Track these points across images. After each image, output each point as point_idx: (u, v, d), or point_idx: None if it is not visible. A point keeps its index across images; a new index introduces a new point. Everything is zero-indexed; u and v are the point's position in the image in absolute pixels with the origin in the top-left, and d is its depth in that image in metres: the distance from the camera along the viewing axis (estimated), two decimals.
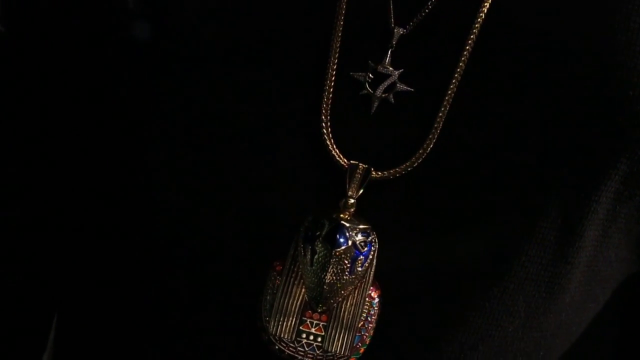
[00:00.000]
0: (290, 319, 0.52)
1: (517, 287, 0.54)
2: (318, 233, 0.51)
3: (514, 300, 0.54)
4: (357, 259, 0.51)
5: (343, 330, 0.52)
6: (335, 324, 0.52)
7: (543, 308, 0.55)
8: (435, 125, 0.51)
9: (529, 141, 0.51)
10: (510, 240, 0.52)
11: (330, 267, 0.51)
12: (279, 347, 0.53)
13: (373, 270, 0.52)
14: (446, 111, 0.51)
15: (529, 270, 0.53)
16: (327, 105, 0.52)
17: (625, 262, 0.58)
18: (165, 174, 0.54)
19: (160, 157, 0.54)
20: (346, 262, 0.51)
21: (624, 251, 0.57)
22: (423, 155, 0.52)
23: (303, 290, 0.52)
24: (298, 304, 0.52)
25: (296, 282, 0.52)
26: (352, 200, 0.52)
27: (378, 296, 0.53)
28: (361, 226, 0.52)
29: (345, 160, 0.52)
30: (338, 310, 0.52)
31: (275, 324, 0.52)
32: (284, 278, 0.52)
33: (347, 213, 0.52)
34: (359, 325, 0.52)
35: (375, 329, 0.53)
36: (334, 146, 0.52)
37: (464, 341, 0.54)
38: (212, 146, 0.53)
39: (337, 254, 0.51)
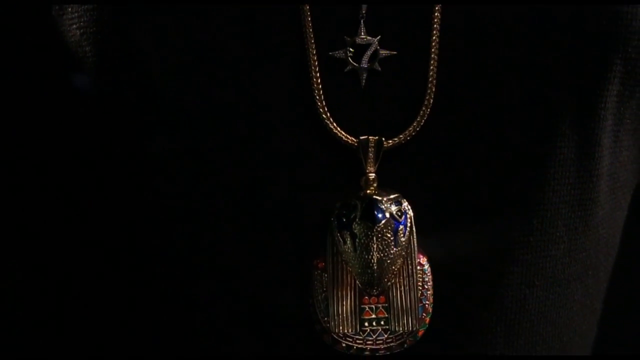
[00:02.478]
0: (350, 312, 0.51)
1: (554, 214, 0.53)
2: (353, 215, 0.49)
3: (554, 226, 0.53)
4: (397, 229, 0.50)
5: (404, 306, 0.51)
6: (395, 302, 0.51)
7: (582, 227, 0.55)
8: (430, 79, 0.51)
9: (524, 69, 0.51)
10: (535, 168, 0.52)
11: (374, 245, 0.49)
12: (346, 345, 0.51)
13: (415, 237, 0.51)
14: (436, 64, 0.51)
15: (561, 193, 0.53)
16: (318, 90, 0.51)
17: (636, 163, 0.58)
18: (173, 176, 0.53)
19: (164, 165, 0.53)
20: (389, 235, 0.49)
21: (635, 151, 0.57)
22: (427, 112, 0.51)
23: (353, 278, 0.50)
24: (353, 294, 0.51)
25: (344, 274, 0.51)
26: (372, 175, 0.51)
27: (427, 262, 0.51)
28: (391, 196, 0.50)
29: (353, 138, 0.51)
30: (394, 288, 0.51)
31: (336, 322, 0.50)
32: (330, 273, 0.50)
33: (372, 188, 0.50)
34: (419, 296, 0.51)
35: (434, 295, 0.51)
36: (338, 128, 0.51)
37: (521, 281, 0.53)
38: (220, 149, 0.51)
39: (379, 229, 0.49)
